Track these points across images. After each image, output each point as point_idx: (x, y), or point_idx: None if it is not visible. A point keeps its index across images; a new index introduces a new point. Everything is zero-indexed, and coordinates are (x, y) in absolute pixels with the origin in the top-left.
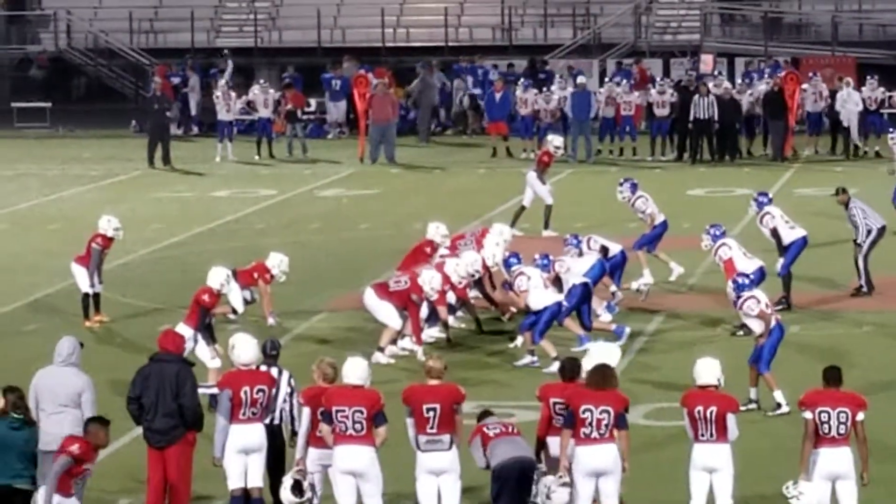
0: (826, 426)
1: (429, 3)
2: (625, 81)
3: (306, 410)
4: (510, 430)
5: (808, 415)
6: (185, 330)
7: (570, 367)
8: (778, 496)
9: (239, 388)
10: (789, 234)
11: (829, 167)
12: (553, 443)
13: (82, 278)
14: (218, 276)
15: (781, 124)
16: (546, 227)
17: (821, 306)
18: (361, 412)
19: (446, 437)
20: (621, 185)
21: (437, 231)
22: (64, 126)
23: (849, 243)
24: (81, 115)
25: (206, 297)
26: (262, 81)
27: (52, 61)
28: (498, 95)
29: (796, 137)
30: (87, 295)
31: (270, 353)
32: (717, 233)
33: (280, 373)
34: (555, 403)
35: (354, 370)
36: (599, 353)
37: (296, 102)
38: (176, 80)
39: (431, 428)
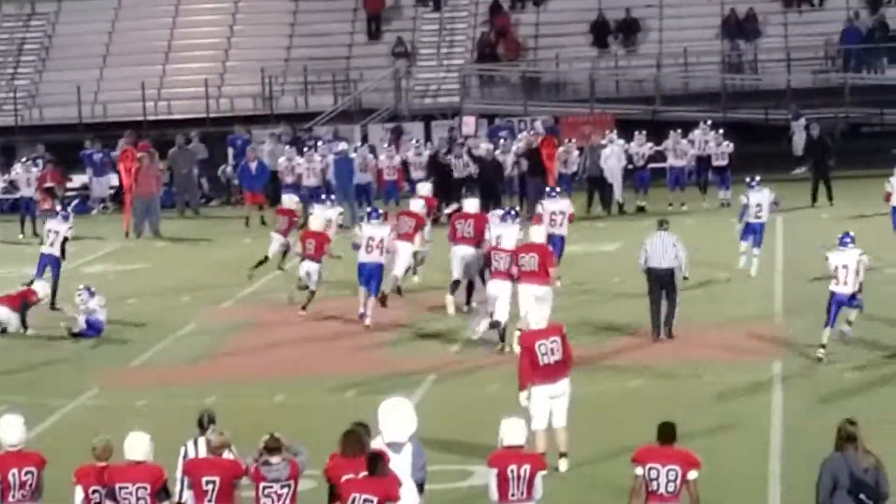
0: (655, 483)
1: (189, 76)
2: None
3: (78, 489)
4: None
5: (638, 470)
6: None
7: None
8: None
9: (7, 471)
10: None
11: (592, 224)
12: None
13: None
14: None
15: (540, 182)
16: None
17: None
18: (145, 489)
19: None
20: None
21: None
22: None
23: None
24: None
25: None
26: (23, 160)
27: None
28: (252, 165)
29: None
30: None
31: (208, 427)
32: None
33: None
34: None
35: (136, 446)
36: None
37: (55, 180)
38: None
39: (209, 501)
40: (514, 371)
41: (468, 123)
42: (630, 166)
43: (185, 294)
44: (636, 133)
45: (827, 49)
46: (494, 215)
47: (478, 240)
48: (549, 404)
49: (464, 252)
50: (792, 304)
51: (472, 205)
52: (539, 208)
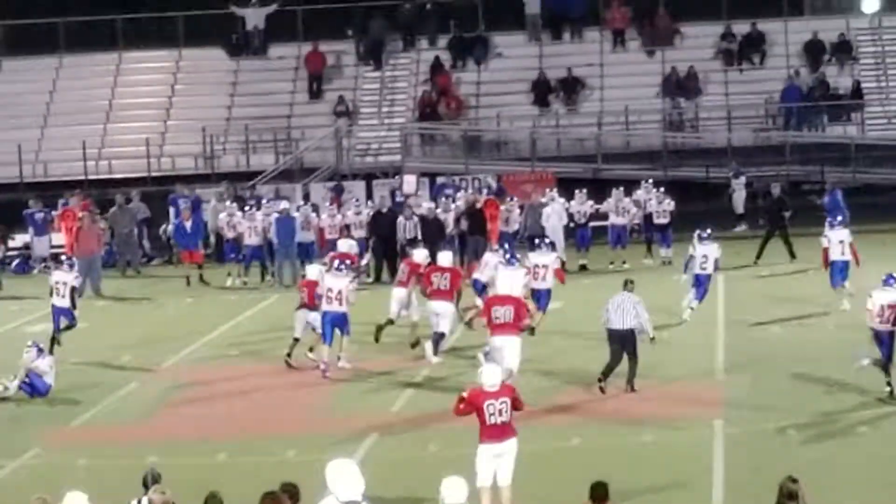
0: None
1: (130, 135)
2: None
3: None
4: None
5: None
6: None
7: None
8: None
9: None
10: None
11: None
12: None
13: None
14: None
15: (482, 240)
16: None
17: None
18: None
19: None
20: None
21: None
22: None
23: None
24: None
25: None
26: None
27: None
28: (188, 224)
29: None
30: None
31: (152, 486)
32: None
33: None
34: None
35: None
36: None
37: None
38: None
39: None
40: (456, 429)
41: (409, 182)
42: (571, 224)
43: (127, 353)
44: (577, 191)
45: (767, 107)
46: (495, 259)
47: (454, 293)
48: (494, 462)
49: (439, 306)
50: (733, 361)
51: (446, 258)
52: (525, 261)
